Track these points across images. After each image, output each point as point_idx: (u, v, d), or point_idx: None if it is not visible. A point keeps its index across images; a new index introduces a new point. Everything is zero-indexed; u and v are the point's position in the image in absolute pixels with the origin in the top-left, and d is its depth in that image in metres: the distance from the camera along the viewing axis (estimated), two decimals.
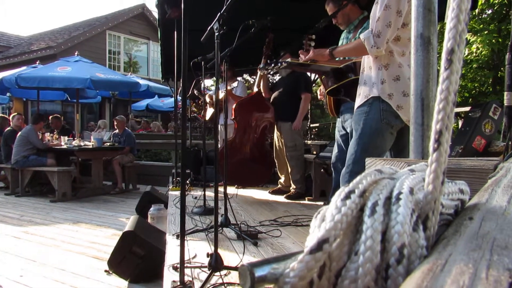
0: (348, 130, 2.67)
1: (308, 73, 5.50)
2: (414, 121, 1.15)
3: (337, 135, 2.79)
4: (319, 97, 3.34)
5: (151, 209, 3.77)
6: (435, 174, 0.26)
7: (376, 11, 2.17)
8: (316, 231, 0.25)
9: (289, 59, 2.41)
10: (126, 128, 7.87)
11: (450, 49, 0.25)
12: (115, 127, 7.77)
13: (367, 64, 2.33)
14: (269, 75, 11.66)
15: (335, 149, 2.76)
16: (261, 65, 2.56)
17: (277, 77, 11.39)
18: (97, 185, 6.90)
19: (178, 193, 4.52)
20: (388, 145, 2.31)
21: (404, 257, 0.24)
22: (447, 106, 0.25)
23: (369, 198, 0.27)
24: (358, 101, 2.35)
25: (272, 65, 2.43)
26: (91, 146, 6.91)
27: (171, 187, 5.37)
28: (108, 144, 7.39)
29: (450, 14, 0.25)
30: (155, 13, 6.87)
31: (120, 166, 7.20)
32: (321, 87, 2.95)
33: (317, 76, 7.43)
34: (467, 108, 3.73)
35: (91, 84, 7.79)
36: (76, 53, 9.62)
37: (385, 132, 2.25)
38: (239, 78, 5.68)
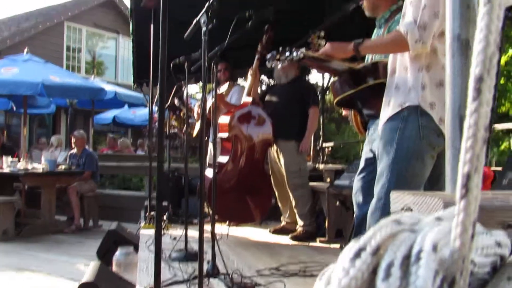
0: (377, 153, 2.66)
1: (321, 74, 5.54)
2: (451, 144, 1.16)
3: (362, 158, 2.79)
4: (343, 112, 3.35)
5: (117, 253, 3.75)
6: (463, 227, 0.27)
7: None
8: None
9: (303, 49, 2.39)
10: (87, 147, 7.88)
11: (479, 76, 0.26)
12: (73, 146, 7.77)
13: (401, 64, 2.31)
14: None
15: (358, 176, 2.76)
16: (268, 55, 2.52)
17: (267, 83, 11.44)
18: (47, 220, 6.86)
19: (152, 232, 4.50)
20: (428, 172, 2.30)
21: None
22: (476, 144, 0.27)
23: (383, 257, 0.28)
24: (388, 111, 2.31)
25: (287, 54, 2.39)
26: (41, 170, 6.90)
27: (143, 224, 5.35)
28: (63, 167, 7.38)
29: (478, 35, 0.26)
30: (127, 0, 6.98)
31: (78, 196, 7.17)
32: None
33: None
34: None
35: (44, 90, 7.82)
36: (25, 50, 9.70)
37: (425, 155, 2.24)
38: (238, 82, 5.71)
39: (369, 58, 2.80)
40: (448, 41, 1.23)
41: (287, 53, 2.35)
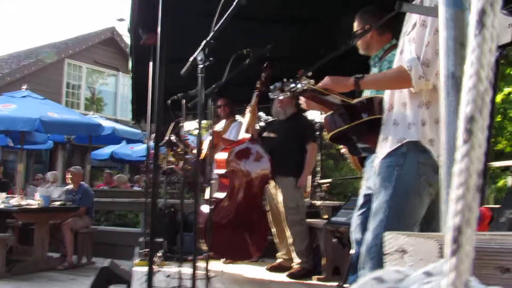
0: (373, 190, 2.63)
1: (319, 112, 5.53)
2: (446, 185, 1.14)
3: (361, 195, 2.76)
4: (343, 150, 3.33)
5: None
6: None
7: (421, 34, 2.14)
8: None
9: (304, 82, 2.34)
10: (83, 182, 7.82)
11: (470, 116, 0.24)
12: (69, 181, 7.71)
13: (399, 99, 2.28)
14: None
15: (357, 213, 2.72)
16: (272, 86, 2.47)
17: (265, 119, 11.49)
18: (39, 257, 6.72)
19: (146, 269, 4.40)
20: (425, 209, 2.26)
21: None
22: (467, 193, 0.24)
23: None
24: (386, 147, 2.27)
25: (292, 85, 2.34)
26: (35, 206, 6.82)
27: (137, 261, 5.25)
28: (58, 203, 7.30)
29: (468, 69, 0.24)
30: (127, 38, 7.05)
31: (72, 233, 7.06)
32: None
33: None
34: None
35: (41, 126, 7.84)
36: (24, 87, 9.75)
37: (423, 193, 2.19)
38: (238, 118, 5.73)
39: (364, 94, 2.80)
40: (443, 79, 1.22)
41: (292, 84, 2.30)
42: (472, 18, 0.24)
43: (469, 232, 0.24)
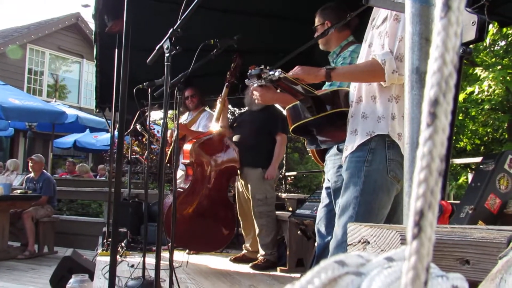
0: (331, 183, 2.64)
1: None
2: (409, 177, 1.15)
3: (324, 188, 2.77)
4: None
5: (71, 281, 3.58)
6: (415, 273, 0.24)
7: (395, 29, 2.14)
8: None
9: (279, 70, 2.30)
10: (45, 171, 7.65)
11: (434, 99, 0.23)
12: (30, 170, 7.54)
13: (368, 92, 2.28)
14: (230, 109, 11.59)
15: (321, 206, 2.74)
16: (250, 72, 2.39)
17: (232, 111, 11.47)
18: None
19: (109, 259, 4.35)
20: (391, 203, 2.29)
21: None
22: (430, 177, 0.24)
23: None
24: (354, 141, 2.28)
25: (271, 73, 2.27)
26: None
27: (100, 250, 5.18)
28: (19, 191, 7.13)
29: (433, 52, 0.24)
30: (92, 24, 6.89)
31: (33, 222, 6.92)
32: None
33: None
34: (478, 159, 3.84)
35: (2, 112, 7.64)
36: None
37: (391, 189, 2.22)
38: (207, 109, 5.70)
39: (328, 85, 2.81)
40: (407, 73, 1.23)
41: (271, 72, 2.24)
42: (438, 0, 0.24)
43: (430, 215, 0.24)
